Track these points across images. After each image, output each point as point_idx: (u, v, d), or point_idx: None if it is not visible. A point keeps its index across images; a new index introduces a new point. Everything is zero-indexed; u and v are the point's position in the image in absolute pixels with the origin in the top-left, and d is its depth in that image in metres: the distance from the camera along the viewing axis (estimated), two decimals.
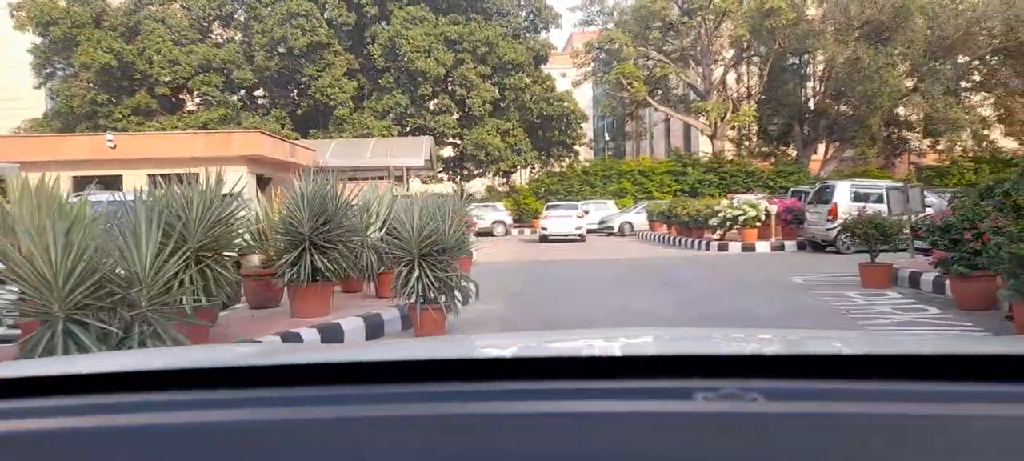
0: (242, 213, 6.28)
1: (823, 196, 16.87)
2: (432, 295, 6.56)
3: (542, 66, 35.36)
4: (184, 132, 22.75)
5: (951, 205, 7.91)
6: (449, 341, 1.87)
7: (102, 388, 0.89)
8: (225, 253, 5.69)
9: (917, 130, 36.37)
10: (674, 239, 21.69)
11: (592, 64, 39.41)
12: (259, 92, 32.44)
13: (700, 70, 37.62)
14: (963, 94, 34.95)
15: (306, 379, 0.89)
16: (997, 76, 33.28)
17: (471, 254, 11.61)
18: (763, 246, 17.67)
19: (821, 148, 38.14)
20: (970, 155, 35.02)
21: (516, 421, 0.78)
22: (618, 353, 1.21)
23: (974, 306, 7.44)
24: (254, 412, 0.80)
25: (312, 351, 1.66)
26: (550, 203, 27.15)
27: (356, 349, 1.55)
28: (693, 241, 19.83)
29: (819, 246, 16.98)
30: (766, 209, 17.84)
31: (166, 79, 29.26)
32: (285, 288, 6.98)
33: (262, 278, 7.20)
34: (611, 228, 28.23)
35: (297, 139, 26.78)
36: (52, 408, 0.83)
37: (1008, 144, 35.39)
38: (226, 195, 6.03)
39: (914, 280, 9.53)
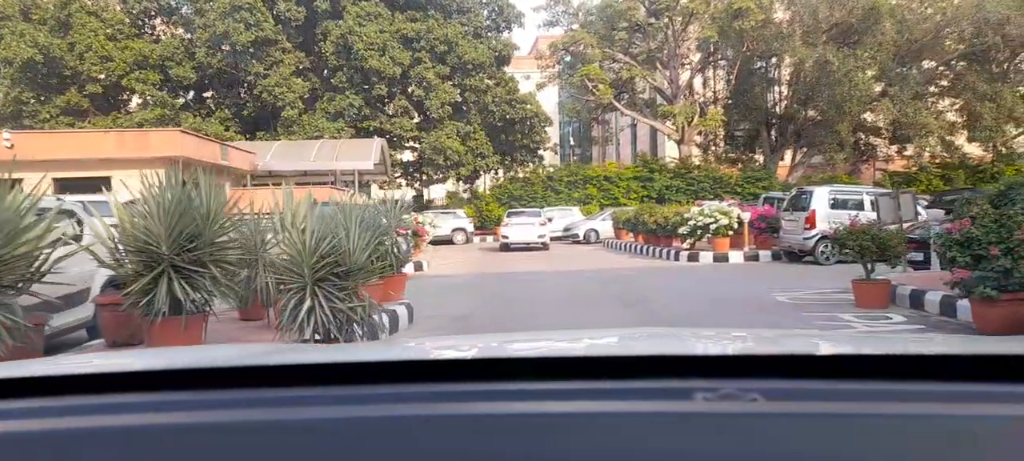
0: (62, 233, 4.68)
1: (799, 203, 15.73)
2: (331, 331, 5.05)
3: (505, 67, 33.96)
4: (94, 130, 20.76)
5: (967, 214, 6.59)
6: (448, 342, 1.61)
7: (102, 388, 0.89)
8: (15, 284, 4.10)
9: (884, 136, 35.82)
10: (641, 248, 20.42)
11: (557, 66, 38.23)
12: (206, 92, 30.39)
13: (667, 73, 36.64)
14: (930, 99, 34.49)
15: (303, 379, 0.89)
16: (964, 80, 32.84)
17: (404, 271, 10.06)
18: (736, 256, 16.47)
19: (789, 154, 37.49)
20: (938, 161, 34.58)
21: (516, 421, 0.78)
22: (618, 353, 1.19)
23: (998, 332, 6.19)
24: (243, 413, 0.81)
25: (311, 352, 1.52)
26: (512, 210, 25.72)
27: (355, 350, 1.50)
28: (661, 251, 18.56)
29: (796, 256, 15.82)
30: (738, 217, 16.64)
31: (99, 76, 27.10)
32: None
33: (118, 308, 5.60)
34: (576, 236, 26.92)
35: (242, 141, 24.96)
36: (52, 408, 0.84)
37: (972, 150, 35.07)
38: (43, 210, 4.48)
39: (916, 300, 8.28)
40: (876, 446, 0.72)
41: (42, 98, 27.56)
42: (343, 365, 1.02)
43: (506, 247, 23.38)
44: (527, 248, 23.30)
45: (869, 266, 8.58)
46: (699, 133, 37.38)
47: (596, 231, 26.94)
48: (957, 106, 34.61)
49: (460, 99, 31.53)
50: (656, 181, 34.25)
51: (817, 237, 14.86)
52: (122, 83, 27.24)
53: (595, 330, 3.30)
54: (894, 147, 36.80)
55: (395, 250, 9.18)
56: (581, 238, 26.77)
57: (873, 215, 14.87)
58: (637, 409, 0.79)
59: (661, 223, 18.84)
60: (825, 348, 1.23)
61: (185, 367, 1.03)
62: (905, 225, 10.46)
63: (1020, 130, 33.83)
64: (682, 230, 17.23)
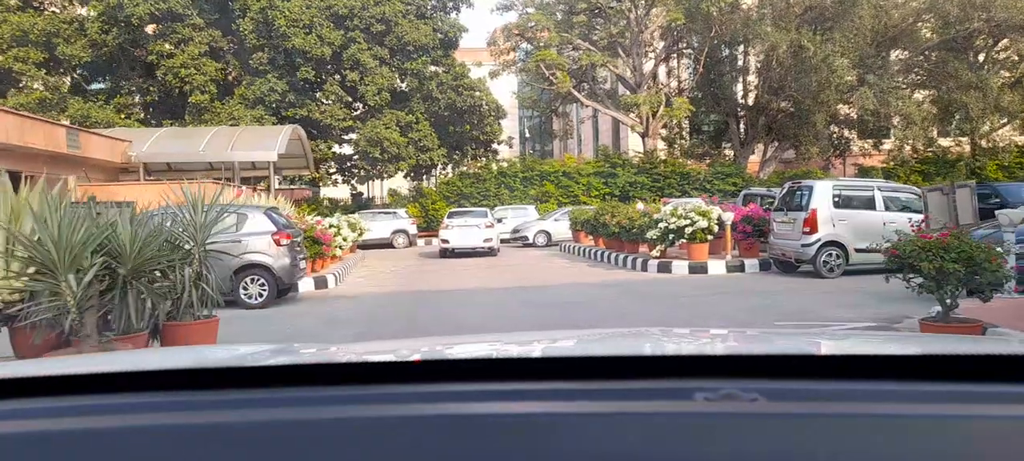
0: None
1: (795, 201, 12.79)
2: None
3: (453, 53, 30.57)
4: None
5: None
6: (447, 342, 1.55)
7: (102, 388, 0.90)
8: None
9: (861, 128, 33.49)
10: (602, 255, 17.33)
11: (512, 52, 35.05)
12: (104, 75, 26.29)
13: (630, 61, 33.71)
14: (906, 90, 32.21)
15: (301, 380, 0.90)
16: (945, 69, 30.62)
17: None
18: (717, 266, 13.47)
19: (759, 148, 35.00)
20: (918, 155, 32.33)
21: (516, 421, 0.78)
22: (618, 353, 1.17)
23: None
24: (242, 414, 0.81)
25: (310, 353, 1.43)
26: (454, 210, 22.41)
27: (355, 350, 1.51)
28: (626, 258, 15.48)
29: (790, 266, 12.89)
30: (719, 218, 13.64)
31: None
32: None
33: None
34: (525, 238, 23.76)
35: (139, 130, 21.13)
36: (52, 408, 0.84)
37: (942, 144, 33.04)
38: None
39: None
40: (876, 446, 0.72)
41: None
42: (342, 366, 1.02)
43: (446, 253, 20.10)
44: (473, 253, 20.06)
45: (948, 300, 5.53)
46: (664, 126, 34.61)
47: (547, 233, 23.88)
48: (930, 97, 32.45)
49: (400, 85, 28.08)
50: (619, 177, 31.35)
51: (819, 243, 11.93)
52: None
53: (595, 330, 3.18)
54: (869, 141, 34.59)
55: (198, 282, 5.86)
56: (531, 240, 23.66)
57: (893, 216, 12.05)
58: (637, 409, 0.79)
59: (625, 225, 15.77)
60: (825, 348, 1.22)
61: (184, 367, 1.02)
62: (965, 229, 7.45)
63: (1004, 121, 31.78)
64: (651, 234, 14.18)
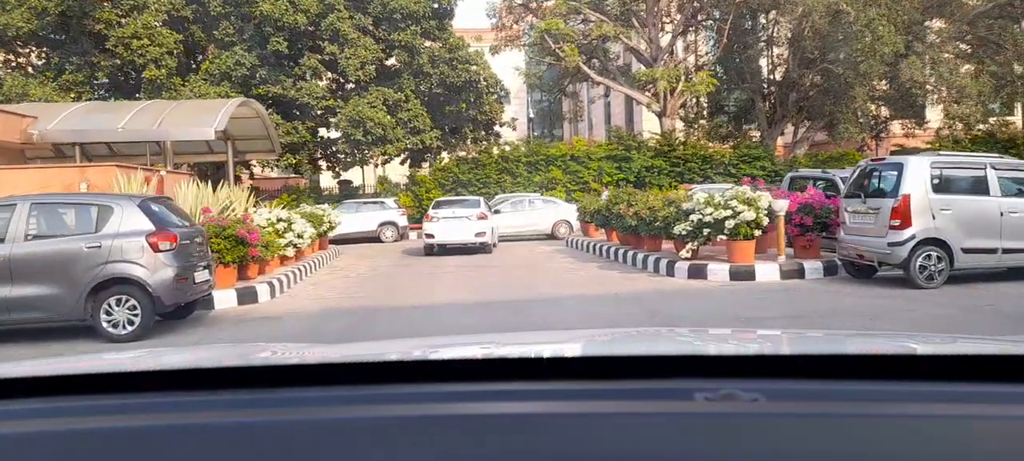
0: None
1: (875, 185, 9.61)
2: None
3: (449, 23, 27.32)
4: None
5: None
6: (447, 342, 1.55)
7: (102, 388, 0.90)
8: None
9: (903, 103, 30.02)
10: (617, 253, 14.19)
11: (516, 25, 31.80)
12: (43, 48, 23.26)
13: (645, 32, 30.37)
14: (953, 61, 28.67)
15: (301, 380, 0.89)
16: (998, 37, 27.15)
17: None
18: (766, 270, 10.32)
19: (788, 129, 31.65)
20: (970, 135, 28.79)
21: (516, 421, 0.78)
22: (618, 354, 1.18)
23: None
24: (242, 414, 0.81)
25: (311, 353, 1.44)
26: (440, 199, 19.28)
27: (355, 351, 1.39)
28: (647, 259, 12.34)
29: (867, 270, 9.73)
30: (770, 207, 10.48)
31: None
32: None
33: None
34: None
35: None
36: (52, 408, 0.84)
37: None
38: None
39: None
40: (876, 446, 0.72)
41: None
42: (342, 366, 1.02)
43: (432, 249, 17.04)
44: (463, 249, 17.00)
45: None
46: (683, 105, 31.30)
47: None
48: (977, 70, 28.92)
49: (387, 59, 24.96)
50: (634, 161, 28.09)
51: (913, 241, 8.75)
52: None
53: (595, 330, 3.12)
54: (909, 119, 31.16)
55: None
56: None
57: (1014, 203, 8.85)
58: (638, 409, 0.79)
59: (645, 217, 12.62)
60: (825, 348, 1.22)
61: (184, 367, 1.02)
62: None
63: None
64: (680, 228, 11.02)
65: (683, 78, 28.81)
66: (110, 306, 7.08)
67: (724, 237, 10.56)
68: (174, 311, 7.80)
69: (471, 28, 34.55)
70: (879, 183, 9.52)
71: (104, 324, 7.04)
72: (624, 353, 1.16)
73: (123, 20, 21.16)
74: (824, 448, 0.73)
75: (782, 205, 10.51)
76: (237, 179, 27.54)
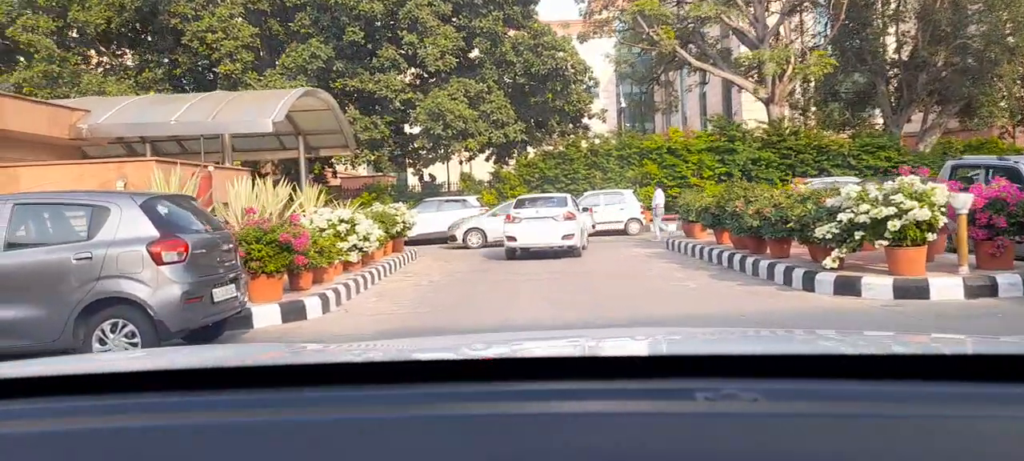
0: None
1: None
2: None
3: (533, 9, 25.46)
4: None
5: None
6: (449, 342, 1.49)
7: (102, 388, 0.90)
8: None
9: None
10: (732, 259, 11.94)
11: (605, 10, 29.57)
12: (121, 44, 22.95)
13: (750, 10, 27.49)
14: None
15: (303, 380, 0.89)
16: None
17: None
18: (945, 285, 7.88)
19: (916, 116, 27.99)
20: None
21: (517, 422, 0.78)
22: (618, 354, 1.18)
23: None
24: (242, 414, 0.80)
25: (311, 353, 1.40)
26: (522, 197, 17.44)
27: (354, 351, 1.42)
28: (773, 268, 10.07)
29: None
30: (947, 203, 8.05)
31: None
32: None
33: None
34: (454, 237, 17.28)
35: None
36: (52, 408, 0.84)
37: None
38: None
39: None
40: (875, 446, 0.72)
41: None
42: (343, 366, 1.00)
43: (513, 253, 15.27)
44: (548, 252, 15.12)
45: None
46: (791, 92, 28.22)
47: (482, 231, 18.20)
48: None
49: (468, 49, 23.38)
50: (738, 153, 25.40)
51: None
52: (6, 33, 20.12)
53: (596, 330, 3.00)
54: None
55: None
56: (460, 241, 17.97)
57: None
58: (638, 409, 0.79)
59: (770, 216, 10.35)
60: (825, 348, 1.21)
61: (185, 368, 1.02)
62: None
63: None
64: (823, 230, 8.72)
65: (794, 60, 25.84)
66: (104, 332, 5.62)
67: (884, 242, 8.20)
68: (200, 331, 6.30)
69: (557, 20, 32.62)
70: None
71: (98, 353, 5.56)
72: (624, 353, 1.16)
73: (199, 12, 20.48)
74: (824, 448, 0.72)
75: (965, 201, 8.05)
76: (320, 178, 26.85)
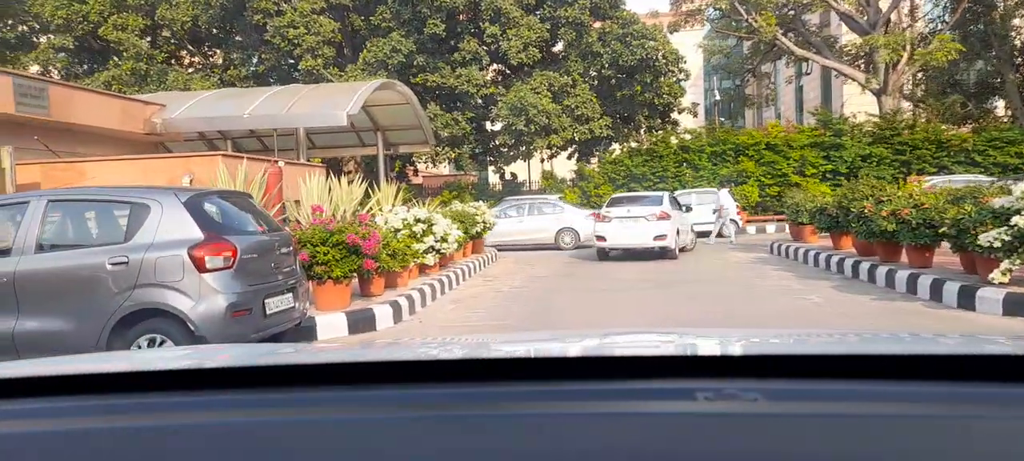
0: None
1: None
2: None
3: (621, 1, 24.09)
4: None
5: None
6: (451, 342, 1.56)
7: (102, 388, 0.89)
8: None
9: None
10: (855, 267, 10.39)
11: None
12: (205, 42, 23.07)
13: None
14: None
15: (304, 380, 0.89)
16: None
17: None
18: None
19: None
20: None
21: (517, 422, 0.78)
22: (619, 354, 1.15)
23: None
24: (242, 414, 0.80)
25: (312, 353, 1.42)
26: (616, 195, 16.21)
27: (354, 351, 1.43)
28: (916, 280, 8.52)
29: None
30: None
31: (59, 19, 20.40)
32: None
33: None
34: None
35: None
36: (52, 408, 0.84)
37: None
38: None
39: None
40: (876, 446, 0.72)
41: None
42: (344, 366, 1.02)
43: (605, 254, 14.15)
44: (642, 254, 13.88)
45: None
46: (902, 85, 25.74)
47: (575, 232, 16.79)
48: None
49: (552, 42, 22.30)
50: (846, 148, 23.22)
51: None
52: (98, 33, 20.49)
53: (596, 330, 2.89)
54: None
55: None
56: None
57: None
58: (638, 409, 0.79)
59: (909, 219, 8.79)
60: (825, 348, 1.21)
61: (185, 368, 1.00)
62: None
63: None
64: (987, 237, 7.16)
65: (911, 46, 23.46)
66: (140, 347, 4.87)
67: None
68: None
69: (644, 12, 31.12)
70: None
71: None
72: (625, 353, 1.15)
73: (281, 7, 20.27)
74: (824, 448, 0.72)
75: None
76: (401, 176, 26.44)
